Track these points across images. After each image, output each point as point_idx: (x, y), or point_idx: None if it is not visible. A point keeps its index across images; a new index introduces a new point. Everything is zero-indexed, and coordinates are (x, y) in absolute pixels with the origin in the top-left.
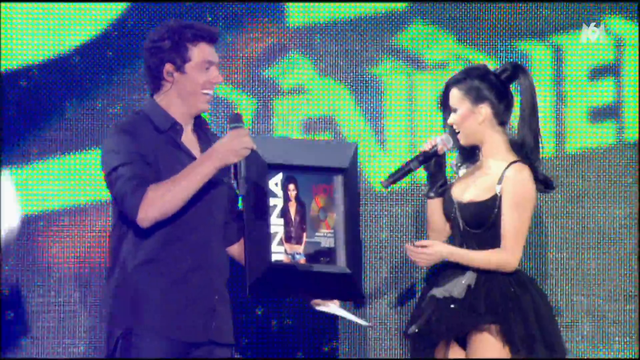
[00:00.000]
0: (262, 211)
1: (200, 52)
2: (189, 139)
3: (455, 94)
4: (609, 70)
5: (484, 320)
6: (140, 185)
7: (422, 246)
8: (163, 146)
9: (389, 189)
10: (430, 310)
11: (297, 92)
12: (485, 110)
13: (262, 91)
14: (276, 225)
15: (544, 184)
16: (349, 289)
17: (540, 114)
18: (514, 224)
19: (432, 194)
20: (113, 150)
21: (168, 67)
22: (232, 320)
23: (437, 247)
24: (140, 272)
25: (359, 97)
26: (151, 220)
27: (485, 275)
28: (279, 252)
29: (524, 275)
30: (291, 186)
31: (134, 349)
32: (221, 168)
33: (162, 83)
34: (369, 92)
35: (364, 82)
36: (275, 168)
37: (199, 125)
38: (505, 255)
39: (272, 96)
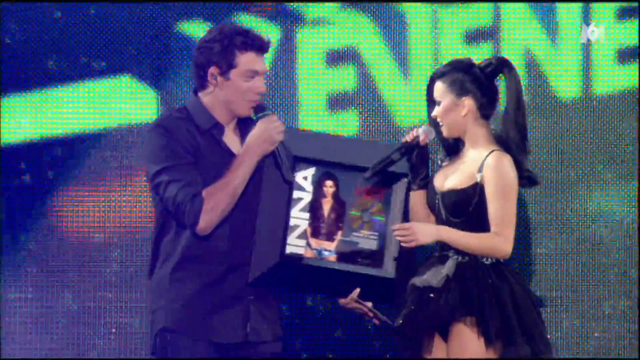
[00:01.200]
0: (282, 203)
1: (246, 61)
2: (230, 137)
3: (439, 87)
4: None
5: (459, 311)
6: (195, 195)
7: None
8: (204, 145)
9: None
10: (410, 300)
11: (321, 23)
12: (468, 102)
13: (285, 22)
14: (298, 218)
15: (527, 179)
16: (387, 293)
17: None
18: (500, 211)
19: (414, 186)
20: (155, 152)
21: (213, 70)
22: (274, 314)
23: (421, 224)
24: (178, 269)
25: (384, 30)
26: (212, 227)
27: (464, 265)
28: (298, 246)
29: (503, 266)
30: (329, 182)
31: (170, 348)
32: (267, 153)
33: (207, 83)
34: (393, 25)
35: (388, 16)
36: (304, 161)
37: (243, 123)
38: (499, 240)
39: (295, 27)
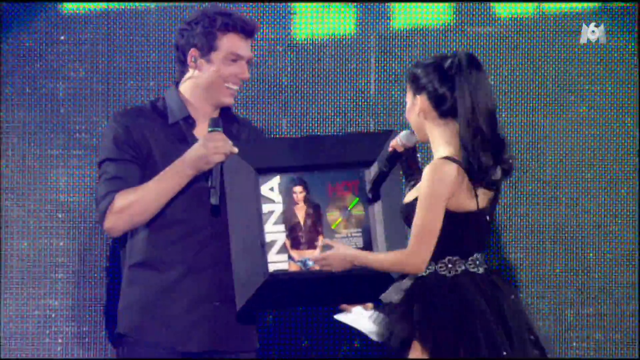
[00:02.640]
0: (252, 220)
1: (228, 43)
2: (205, 131)
3: (407, 88)
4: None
5: (409, 329)
6: (109, 193)
7: (330, 246)
8: (167, 140)
9: None
10: (381, 317)
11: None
12: (421, 100)
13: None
14: (274, 232)
15: (487, 181)
16: (387, 287)
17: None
18: (416, 222)
19: (408, 190)
20: (104, 142)
21: (194, 52)
22: (248, 322)
23: (340, 250)
24: (132, 274)
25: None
26: (119, 231)
27: (423, 280)
28: (279, 262)
29: (468, 278)
30: (297, 188)
31: (124, 355)
32: (201, 170)
33: (187, 68)
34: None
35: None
36: (268, 172)
37: (225, 117)
38: (402, 255)
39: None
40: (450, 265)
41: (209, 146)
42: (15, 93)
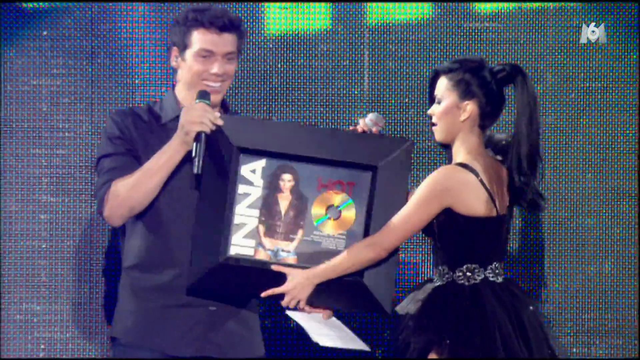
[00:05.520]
0: (223, 198)
1: (199, 39)
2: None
3: (443, 84)
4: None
5: (427, 339)
6: (110, 180)
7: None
8: (160, 139)
9: None
10: (399, 329)
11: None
12: (471, 107)
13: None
14: (246, 216)
15: (530, 203)
16: (361, 300)
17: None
18: (402, 212)
19: None
20: (100, 143)
21: (175, 51)
22: (248, 328)
23: (296, 279)
24: (126, 277)
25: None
26: (119, 217)
27: (439, 290)
28: (245, 246)
29: (488, 287)
30: (287, 176)
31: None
32: (186, 142)
33: (175, 69)
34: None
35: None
36: (253, 153)
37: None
38: (368, 245)
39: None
40: (468, 274)
41: (188, 115)
42: None
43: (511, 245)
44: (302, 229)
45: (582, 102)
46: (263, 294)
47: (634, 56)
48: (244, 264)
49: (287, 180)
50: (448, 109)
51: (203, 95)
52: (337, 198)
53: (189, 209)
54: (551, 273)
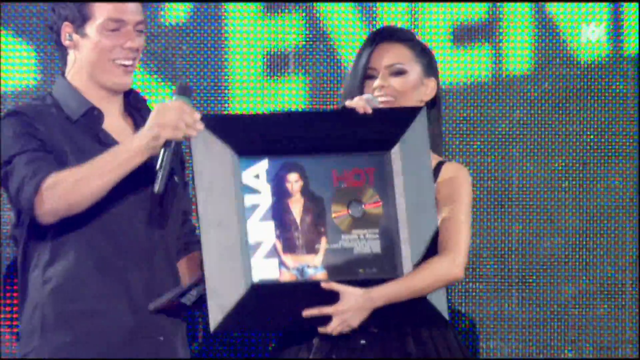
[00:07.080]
0: (231, 215)
1: (103, 7)
2: (117, 124)
3: (405, 52)
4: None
5: None
6: (39, 170)
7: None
8: (77, 139)
9: None
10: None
11: None
12: (432, 86)
13: None
14: (260, 232)
15: None
16: (421, 315)
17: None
18: (462, 227)
19: None
20: (8, 140)
21: (66, 27)
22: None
23: (352, 300)
24: (47, 295)
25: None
26: (54, 214)
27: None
28: (267, 269)
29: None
30: (292, 176)
31: None
32: (152, 147)
33: (67, 51)
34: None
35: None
36: (252, 154)
37: (134, 104)
38: (447, 262)
39: None
40: None
41: (161, 116)
42: None
43: (511, 245)
44: (324, 237)
45: (582, 102)
46: (306, 312)
47: (634, 56)
48: (272, 288)
49: (293, 181)
50: (415, 83)
51: (183, 90)
52: (358, 191)
53: (136, 215)
54: (551, 273)
